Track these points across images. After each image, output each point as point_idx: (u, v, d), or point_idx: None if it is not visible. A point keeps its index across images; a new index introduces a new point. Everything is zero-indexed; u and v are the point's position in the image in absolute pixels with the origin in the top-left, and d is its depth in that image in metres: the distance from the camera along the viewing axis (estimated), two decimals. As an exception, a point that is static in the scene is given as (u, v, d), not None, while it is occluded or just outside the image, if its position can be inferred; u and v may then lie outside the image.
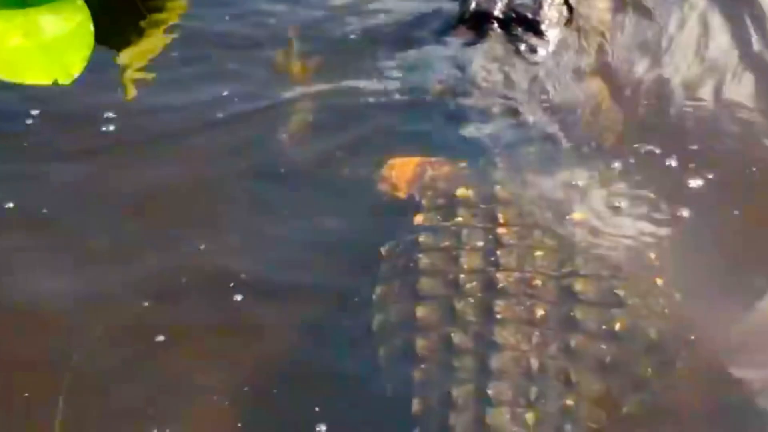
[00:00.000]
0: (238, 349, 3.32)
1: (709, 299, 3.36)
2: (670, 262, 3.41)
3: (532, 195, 3.50)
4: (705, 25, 4.34)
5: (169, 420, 3.18)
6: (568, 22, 4.11)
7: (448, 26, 4.14)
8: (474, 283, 3.22)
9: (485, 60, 3.96)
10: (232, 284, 3.45)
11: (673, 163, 3.75)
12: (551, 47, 4.03)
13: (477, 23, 4.06)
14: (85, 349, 3.32)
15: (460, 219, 3.39)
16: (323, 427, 3.12)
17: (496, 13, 4.05)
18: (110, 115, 3.98)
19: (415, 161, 3.68)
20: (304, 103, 4.05)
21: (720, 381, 3.21)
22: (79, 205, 3.75)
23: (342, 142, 3.88)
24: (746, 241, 3.57)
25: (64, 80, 4.00)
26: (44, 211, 3.72)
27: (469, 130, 3.76)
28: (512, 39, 4.02)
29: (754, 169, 3.78)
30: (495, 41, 4.01)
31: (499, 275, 3.22)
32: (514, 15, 4.05)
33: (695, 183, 3.68)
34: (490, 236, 3.33)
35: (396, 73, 4.08)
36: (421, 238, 3.35)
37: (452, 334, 3.13)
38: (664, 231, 3.52)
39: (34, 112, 4.01)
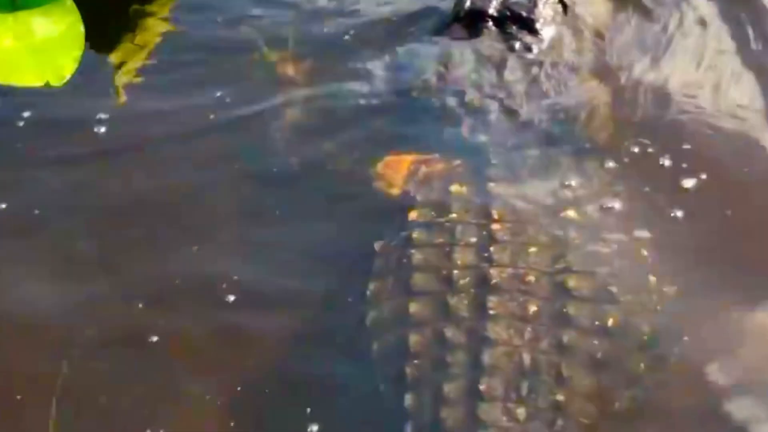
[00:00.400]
0: (230, 353, 3.31)
1: (701, 297, 3.36)
2: (663, 260, 3.42)
3: (525, 192, 3.51)
4: (703, 25, 4.35)
5: (162, 426, 3.16)
6: (563, 20, 4.13)
7: (442, 24, 4.16)
8: (467, 279, 3.22)
9: (480, 58, 3.97)
10: (224, 287, 3.44)
11: (667, 162, 3.76)
12: (546, 45, 4.04)
13: (472, 21, 4.08)
14: (76, 355, 3.30)
15: (453, 215, 3.40)
16: (315, 427, 3.12)
17: (491, 11, 4.07)
18: (100, 119, 3.96)
19: (409, 159, 3.69)
20: (295, 106, 4.04)
21: (711, 378, 3.21)
22: (69, 211, 3.72)
23: (336, 141, 3.88)
24: (739, 241, 3.57)
25: (56, 82, 3.98)
26: (33, 217, 3.69)
27: (464, 128, 3.77)
28: (507, 37, 4.04)
29: (746, 169, 3.79)
30: (490, 39, 4.03)
31: (493, 271, 3.23)
32: (508, 13, 4.07)
33: (689, 182, 3.69)
34: (484, 232, 3.34)
35: (390, 72, 4.08)
36: (415, 234, 3.36)
37: (445, 330, 3.13)
38: (657, 229, 3.52)
39: (24, 116, 4.00)
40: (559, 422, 3.01)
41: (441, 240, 3.33)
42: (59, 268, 3.56)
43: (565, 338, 3.12)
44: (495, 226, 3.35)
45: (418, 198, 3.51)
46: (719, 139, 3.90)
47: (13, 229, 3.67)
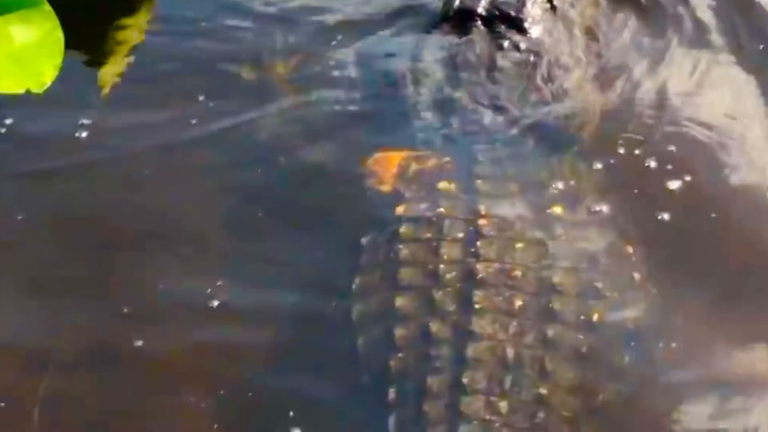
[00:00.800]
0: (214, 367, 3.29)
1: (684, 294, 3.39)
2: (648, 258, 3.44)
3: (513, 189, 3.52)
4: (699, 26, 4.38)
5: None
6: (552, 19, 4.15)
7: (431, 24, 4.18)
8: (453, 274, 3.24)
9: (469, 57, 4.00)
10: (207, 299, 3.40)
11: (654, 163, 3.78)
12: (534, 44, 4.07)
13: (461, 21, 4.10)
14: (54, 371, 3.26)
15: (441, 210, 3.42)
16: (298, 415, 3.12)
17: (480, 10, 4.09)
18: (80, 131, 3.90)
19: (399, 155, 3.71)
20: (281, 111, 4.00)
21: (694, 373, 3.23)
22: (47, 225, 3.67)
23: (325, 141, 3.87)
24: (722, 241, 3.59)
25: (37, 89, 3.89)
26: (9, 230, 3.64)
27: (453, 126, 3.80)
28: (496, 36, 4.06)
29: (727, 171, 3.80)
30: (478, 38, 4.05)
31: (479, 266, 3.25)
32: (497, 13, 4.09)
33: (674, 184, 3.71)
34: (471, 228, 3.35)
35: (379, 71, 4.09)
36: (402, 229, 3.37)
37: (430, 324, 3.15)
38: (642, 228, 3.55)
39: (2, 128, 3.94)
40: (541, 415, 3.02)
41: (428, 235, 3.35)
42: (37, 282, 3.51)
43: (550, 333, 3.14)
44: (482, 222, 3.37)
45: (407, 194, 3.52)
46: (708, 141, 3.91)
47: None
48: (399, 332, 3.15)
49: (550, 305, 3.19)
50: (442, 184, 3.52)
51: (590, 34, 4.24)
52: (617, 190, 3.64)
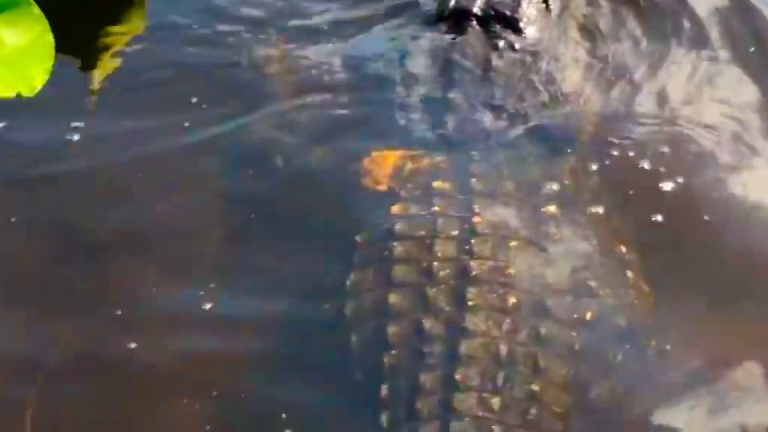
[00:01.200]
0: (207, 372, 3.27)
1: (677, 293, 3.40)
2: (641, 257, 3.45)
3: (508, 187, 3.53)
4: (697, 27, 4.39)
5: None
6: (547, 19, 4.16)
7: (427, 23, 4.19)
8: (447, 271, 3.25)
9: (464, 57, 4.01)
10: (198, 308, 3.38)
11: (648, 164, 3.79)
12: (530, 44, 4.08)
13: (456, 20, 4.11)
14: (42, 382, 3.24)
15: (436, 209, 3.43)
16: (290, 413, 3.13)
17: (475, 10, 4.11)
18: (70, 138, 3.89)
19: (395, 155, 3.71)
20: (274, 115, 3.99)
21: (685, 370, 3.24)
22: (35, 233, 3.65)
23: (320, 141, 3.86)
24: (714, 242, 3.60)
25: (27, 93, 3.84)
26: None
27: (449, 125, 3.80)
28: (491, 36, 4.07)
29: (723, 173, 3.81)
30: (474, 38, 4.07)
31: (473, 263, 3.26)
32: (492, 12, 4.11)
33: (668, 185, 3.72)
34: (465, 226, 3.36)
35: (374, 71, 4.09)
36: (397, 227, 3.38)
37: (424, 321, 3.15)
38: (635, 228, 3.56)
39: None
40: (533, 411, 3.03)
41: (422, 232, 3.35)
42: (27, 289, 3.50)
43: (543, 330, 3.15)
44: (476, 220, 3.38)
45: (402, 192, 3.53)
46: (705, 142, 3.92)
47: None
48: (392, 329, 3.16)
49: (544, 303, 3.20)
50: (437, 183, 3.53)
51: (587, 34, 4.25)
52: (612, 190, 3.65)
